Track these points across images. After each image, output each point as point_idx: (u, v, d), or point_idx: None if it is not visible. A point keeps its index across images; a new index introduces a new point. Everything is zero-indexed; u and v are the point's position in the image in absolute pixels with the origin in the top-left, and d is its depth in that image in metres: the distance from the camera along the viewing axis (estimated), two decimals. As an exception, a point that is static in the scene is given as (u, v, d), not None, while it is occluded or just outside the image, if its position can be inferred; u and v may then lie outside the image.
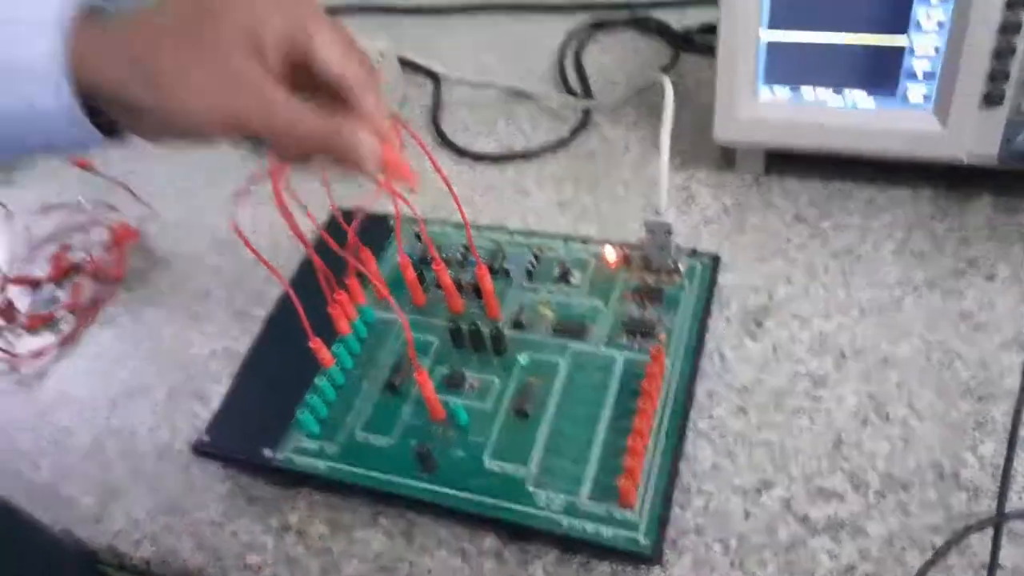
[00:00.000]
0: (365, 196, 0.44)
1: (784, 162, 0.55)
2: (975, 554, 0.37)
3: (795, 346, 0.46)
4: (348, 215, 0.53)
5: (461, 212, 0.44)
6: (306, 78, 0.33)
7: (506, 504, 0.41)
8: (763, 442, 0.43)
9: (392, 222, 0.56)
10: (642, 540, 0.38)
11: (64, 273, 0.61)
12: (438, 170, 0.43)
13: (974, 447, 0.41)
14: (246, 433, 0.47)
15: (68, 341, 0.56)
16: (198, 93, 0.31)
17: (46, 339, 0.56)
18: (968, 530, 0.36)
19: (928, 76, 0.47)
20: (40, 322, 0.58)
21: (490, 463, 0.42)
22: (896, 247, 0.50)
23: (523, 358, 0.46)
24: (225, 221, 0.62)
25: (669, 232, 0.46)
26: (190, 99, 0.31)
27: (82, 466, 0.49)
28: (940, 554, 0.36)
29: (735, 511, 0.40)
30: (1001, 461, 0.39)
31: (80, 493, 0.48)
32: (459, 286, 0.50)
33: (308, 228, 0.45)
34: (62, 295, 0.59)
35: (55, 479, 0.49)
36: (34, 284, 0.61)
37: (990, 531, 0.37)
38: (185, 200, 0.65)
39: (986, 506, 0.38)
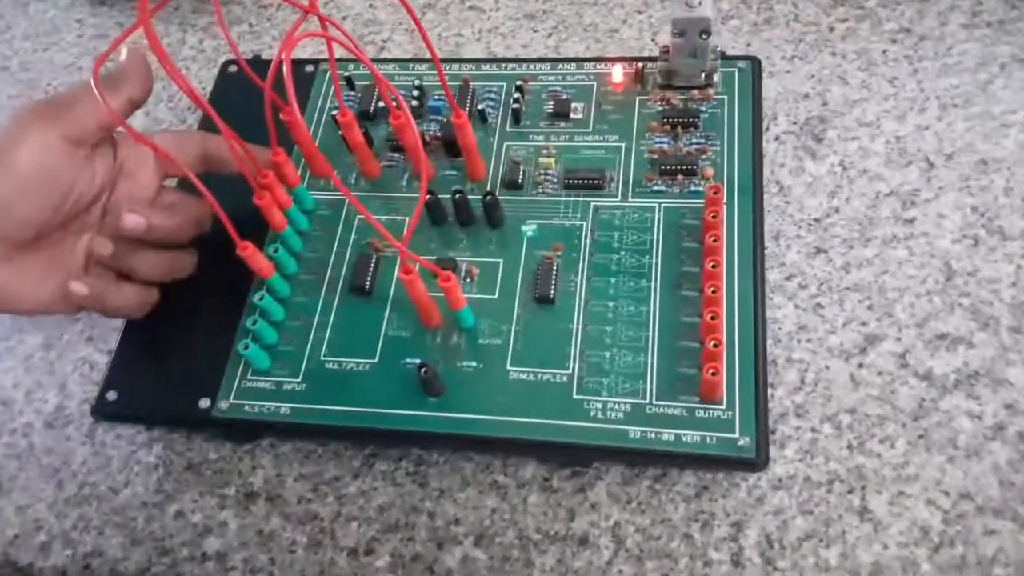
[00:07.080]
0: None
1: (806, -70, 0.43)
2: None
3: (868, 160, 0.36)
4: (255, 63, 0.39)
5: (421, 31, 0.30)
6: None
7: (547, 421, 0.31)
8: (855, 286, 0.33)
9: (309, 69, 0.41)
10: (741, 441, 0.29)
11: None
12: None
13: (1117, 254, 0.33)
14: (169, 382, 0.34)
15: None
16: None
17: None
18: None
19: None
20: None
21: (515, 372, 0.32)
22: (966, 20, 0.40)
23: (529, 229, 0.35)
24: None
25: (707, 32, 0.34)
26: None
27: (-59, 461, 0.35)
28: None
29: (839, 379, 0.32)
30: None
31: (-54, 498, 0.35)
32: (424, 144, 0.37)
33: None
34: None
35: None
36: None
37: None
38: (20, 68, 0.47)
39: None
